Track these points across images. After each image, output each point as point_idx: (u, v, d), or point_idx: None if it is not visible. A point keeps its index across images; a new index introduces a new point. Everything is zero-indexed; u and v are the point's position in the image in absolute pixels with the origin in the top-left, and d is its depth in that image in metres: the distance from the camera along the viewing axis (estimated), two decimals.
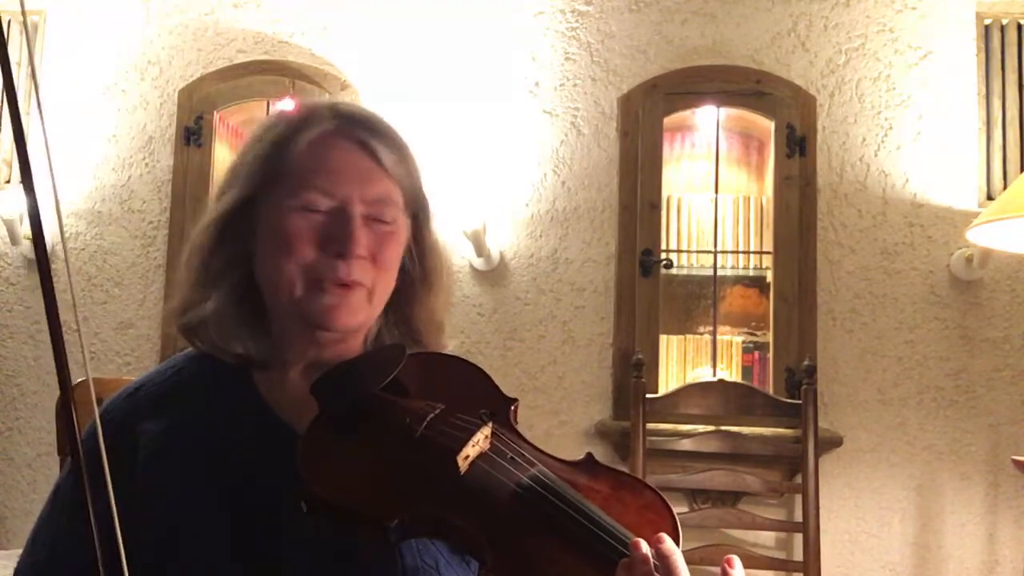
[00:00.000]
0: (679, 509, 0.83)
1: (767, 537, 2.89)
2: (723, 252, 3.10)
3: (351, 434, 0.94)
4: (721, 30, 3.09)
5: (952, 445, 2.89)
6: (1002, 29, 2.99)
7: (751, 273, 3.15)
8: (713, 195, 3.12)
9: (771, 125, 3.02)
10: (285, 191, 1.00)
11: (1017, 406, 2.88)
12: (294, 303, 1.01)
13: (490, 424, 0.93)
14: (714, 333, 3.09)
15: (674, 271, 3.08)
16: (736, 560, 0.82)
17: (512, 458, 0.90)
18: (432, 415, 0.93)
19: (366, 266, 1.01)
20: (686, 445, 2.70)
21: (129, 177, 3.27)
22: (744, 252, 3.11)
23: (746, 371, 3.05)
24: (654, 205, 3.02)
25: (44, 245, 0.73)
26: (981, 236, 2.60)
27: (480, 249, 2.99)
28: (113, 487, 0.74)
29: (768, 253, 3.02)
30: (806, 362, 2.70)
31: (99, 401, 1.09)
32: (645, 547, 0.78)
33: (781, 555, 2.85)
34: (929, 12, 3.01)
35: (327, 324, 1.01)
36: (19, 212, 3.14)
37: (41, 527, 1.03)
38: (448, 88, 3.12)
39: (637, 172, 3.04)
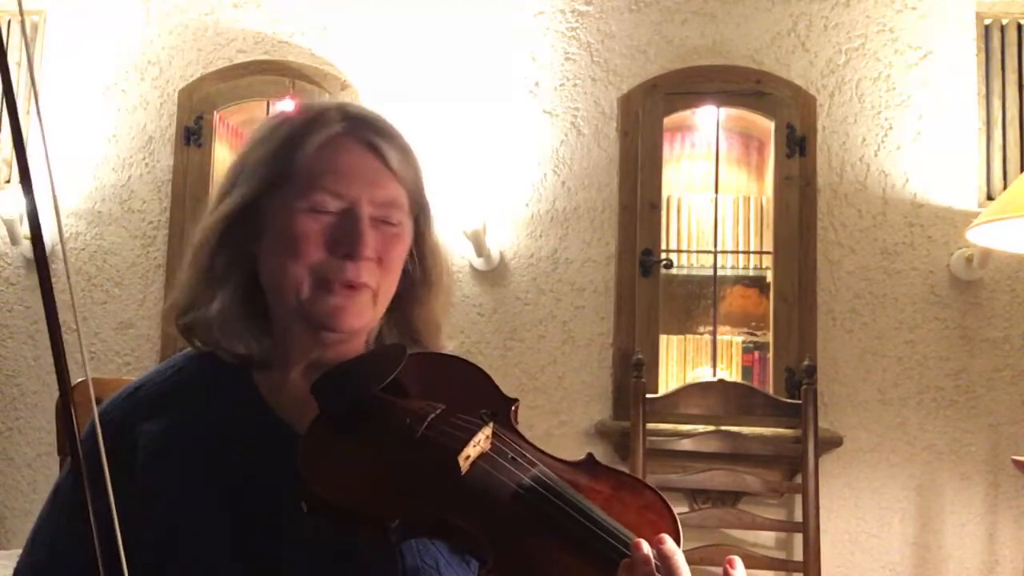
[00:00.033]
0: (679, 509, 0.83)
1: (767, 537, 2.89)
2: (723, 252, 3.10)
3: (351, 434, 0.94)
4: (721, 30, 3.09)
5: (952, 445, 2.89)
6: (1002, 29, 2.99)
7: (751, 273, 3.15)
8: (713, 195, 3.12)
9: (771, 125, 3.02)
10: (293, 192, 1.00)
11: (1017, 406, 2.88)
12: (300, 304, 1.01)
13: (491, 424, 0.93)
14: (714, 333, 3.09)
15: (674, 271, 3.08)
16: (738, 561, 0.82)
17: (513, 458, 0.90)
18: (433, 415, 0.93)
19: (373, 268, 1.02)
20: (686, 445, 2.70)
21: (129, 177, 3.27)
22: (744, 252, 3.11)
23: (746, 371, 3.05)
24: (654, 205, 3.02)
25: (43, 245, 0.72)
26: (981, 236, 2.60)
27: (480, 249, 2.99)
28: (113, 487, 0.74)
29: (768, 253, 3.02)
30: (806, 362, 2.70)
31: (99, 401, 1.09)
32: (646, 547, 0.78)
33: (781, 555, 2.85)
34: (929, 12, 3.01)
35: (333, 325, 1.01)
36: (19, 212, 3.14)
37: (41, 527, 1.02)
38: (448, 88, 3.12)
39: (637, 172, 3.04)
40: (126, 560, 0.73)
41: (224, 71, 3.25)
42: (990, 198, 2.89)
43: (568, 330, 3.05)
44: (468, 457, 0.88)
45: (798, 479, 2.70)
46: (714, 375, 2.99)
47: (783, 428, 2.78)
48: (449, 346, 1.16)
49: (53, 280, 0.74)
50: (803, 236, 2.96)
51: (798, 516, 2.75)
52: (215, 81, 3.23)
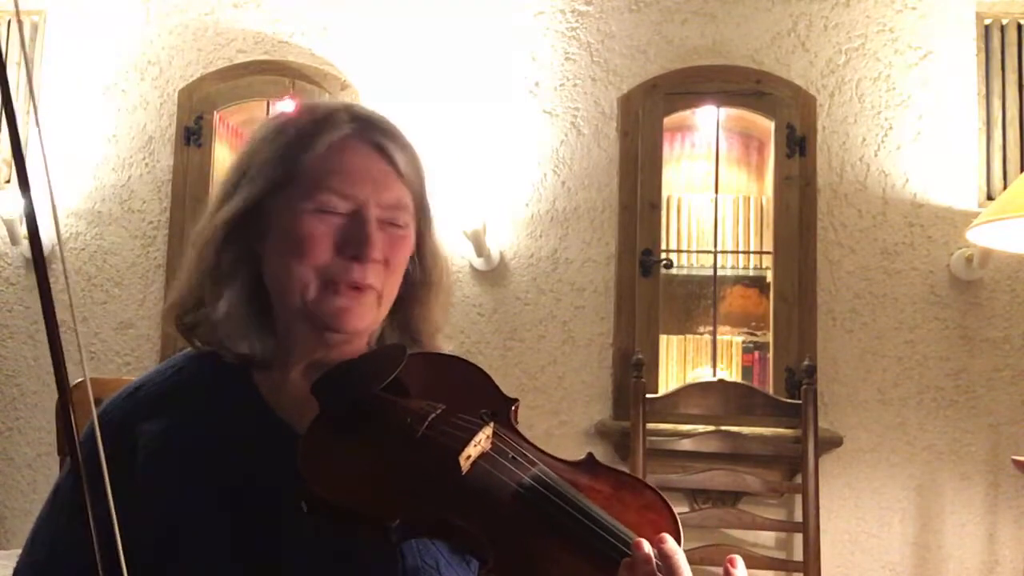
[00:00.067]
0: (679, 509, 0.84)
1: (767, 537, 2.89)
2: (723, 252, 3.10)
3: (352, 434, 0.94)
4: (721, 30, 3.09)
5: (952, 445, 2.89)
6: (1002, 29, 2.99)
7: (751, 273, 3.15)
8: (713, 195, 3.12)
9: (771, 125, 3.02)
10: (300, 192, 1.00)
11: (1017, 406, 2.88)
12: (305, 304, 1.01)
13: (491, 424, 0.93)
14: (714, 333, 3.09)
15: (674, 271, 3.08)
16: (739, 560, 0.82)
17: (514, 458, 0.90)
18: (433, 415, 0.93)
19: (379, 270, 1.02)
20: (686, 445, 2.70)
21: (129, 177, 3.27)
22: (744, 252, 3.11)
23: (746, 371, 3.05)
24: (654, 205, 3.02)
25: (40, 245, 0.72)
26: (981, 236, 2.60)
27: (480, 249, 2.99)
28: (113, 488, 0.74)
29: (768, 253, 3.02)
30: (806, 362, 2.70)
31: (98, 401, 1.09)
32: (647, 547, 0.78)
33: (781, 555, 2.85)
34: (929, 12, 3.01)
35: (338, 326, 1.02)
36: (19, 212, 3.14)
37: (41, 527, 1.02)
38: (448, 88, 3.12)
39: (637, 172, 3.04)
40: (126, 562, 0.73)
41: (224, 71, 3.25)
42: (990, 198, 2.89)
43: (568, 330, 3.05)
44: (469, 457, 0.88)
45: (798, 479, 2.70)
46: (714, 375, 2.99)
47: (783, 428, 2.78)
48: (448, 346, 1.16)
49: (52, 280, 0.74)
50: (803, 236, 2.96)
51: (798, 516, 2.75)
52: (215, 81, 3.23)
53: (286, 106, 3.13)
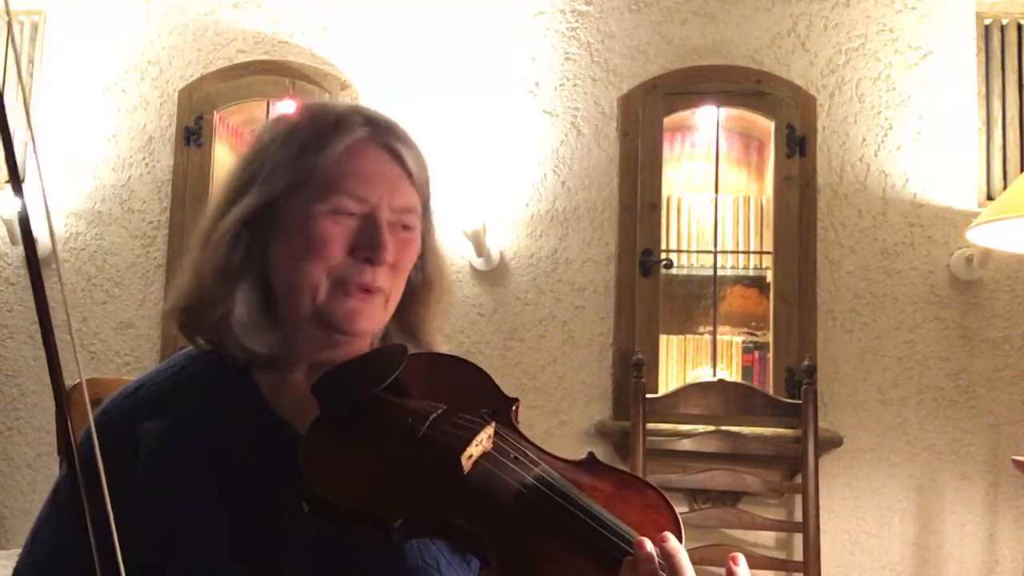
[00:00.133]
0: (679, 509, 0.84)
1: (767, 537, 2.89)
2: (723, 252, 3.10)
3: (353, 434, 0.94)
4: (721, 30, 3.09)
5: (952, 445, 2.89)
6: (1002, 29, 2.99)
7: (751, 273, 3.15)
8: (713, 195, 3.12)
9: (771, 125, 3.02)
10: (314, 194, 1.00)
11: (1017, 406, 2.88)
12: (315, 305, 1.01)
13: (492, 424, 0.93)
14: (714, 333, 3.09)
15: (674, 271, 3.08)
16: (741, 558, 0.83)
17: (515, 457, 0.90)
18: (435, 415, 0.93)
19: (388, 272, 1.03)
20: (686, 445, 2.70)
21: (129, 177, 3.27)
22: (744, 252, 3.11)
23: (746, 371, 3.05)
24: (654, 205, 3.02)
25: (33, 245, 0.72)
26: (981, 236, 2.60)
27: (480, 249, 2.99)
28: (112, 488, 0.74)
29: (768, 253, 3.02)
30: (806, 362, 2.70)
31: (98, 401, 1.09)
32: (649, 545, 0.78)
33: (781, 555, 2.85)
34: (929, 12, 3.01)
35: (349, 328, 1.02)
36: (19, 212, 3.13)
37: (40, 527, 1.02)
38: (448, 88, 3.12)
39: (637, 172, 3.04)
40: (124, 563, 0.73)
41: (224, 71, 3.25)
42: (990, 198, 2.89)
43: (568, 330, 3.05)
44: (471, 457, 0.88)
45: (798, 479, 2.70)
46: (714, 375, 2.99)
47: (783, 428, 2.78)
48: (447, 346, 1.16)
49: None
50: (803, 236, 2.96)
51: (798, 516, 2.75)
52: (215, 81, 3.23)
53: (286, 106, 3.13)
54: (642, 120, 3.05)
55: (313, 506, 0.85)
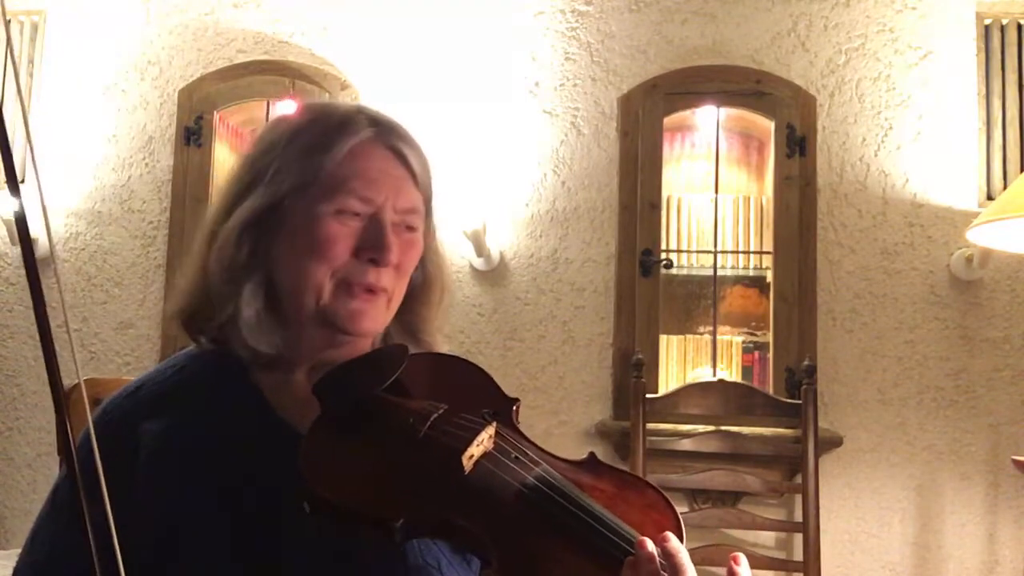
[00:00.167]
0: (679, 509, 0.84)
1: (767, 537, 2.89)
2: (723, 252, 3.10)
3: (354, 434, 0.94)
4: (721, 30, 3.09)
5: (952, 445, 2.89)
6: (1002, 29, 2.99)
7: (751, 273, 3.15)
8: (713, 195, 3.12)
9: (771, 125, 3.02)
10: (320, 194, 1.00)
11: (1017, 406, 2.88)
12: (319, 306, 1.01)
13: (493, 424, 0.93)
14: (714, 333, 3.09)
15: (674, 271, 3.08)
16: (742, 558, 0.83)
17: (516, 457, 0.90)
18: (436, 415, 0.93)
19: (392, 273, 1.03)
20: (686, 445, 2.70)
21: (129, 177, 3.27)
22: (744, 252, 3.11)
23: (746, 371, 3.05)
24: (654, 205, 3.02)
25: (30, 244, 0.72)
26: (981, 236, 2.60)
27: (480, 249, 2.99)
28: (112, 488, 0.74)
29: (768, 253, 3.02)
30: (806, 362, 2.70)
31: (98, 401, 1.09)
32: (651, 545, 0.78)
33: (781, 555, 2.85)
34: (929, 12, 3.01)
35: (353, 328, 1.02)
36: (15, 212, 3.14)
37: (40, 527, 1.02)
38: (448, 88, 3.12)
39: (637, 172, 3.04)
40: (124, 564, 0.73)
41: (224, 71, 3.25)
42: (990, 198, 2.89)
43: (568, 330, 3.05)
44: (472, 457, 0.88)
45: (798, 479, 2.70)
46: (714, 375, 2.99)
47: (783, 428, 2.78)
48: (447, 346, 1.16)
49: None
50: (803, 236, 2.96)
51: (798, 516, 2.75)
52: (215, 81, 3.23)
53: (286, 106, 3.13)
54: (642, 120, 3.05)
55: (314, 506, 0.85)
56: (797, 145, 2.98)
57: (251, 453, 0.98)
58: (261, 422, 1.01)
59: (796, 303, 2.93)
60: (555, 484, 0.86)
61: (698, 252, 3.11)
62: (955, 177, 2.95)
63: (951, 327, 2.91)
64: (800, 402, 2.65)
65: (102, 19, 3.34)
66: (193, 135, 3.20)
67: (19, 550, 1.04)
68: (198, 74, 3.27)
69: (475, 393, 1.00)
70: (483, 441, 0.90)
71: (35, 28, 3.36)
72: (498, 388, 1.03)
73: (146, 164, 3.27)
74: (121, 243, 3.25)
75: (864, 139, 2.99)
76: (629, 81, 3.10)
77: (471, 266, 3.07)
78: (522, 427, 0.98)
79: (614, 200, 3.06)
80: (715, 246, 3.08)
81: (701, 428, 2.75)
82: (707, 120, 3.19)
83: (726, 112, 3.14)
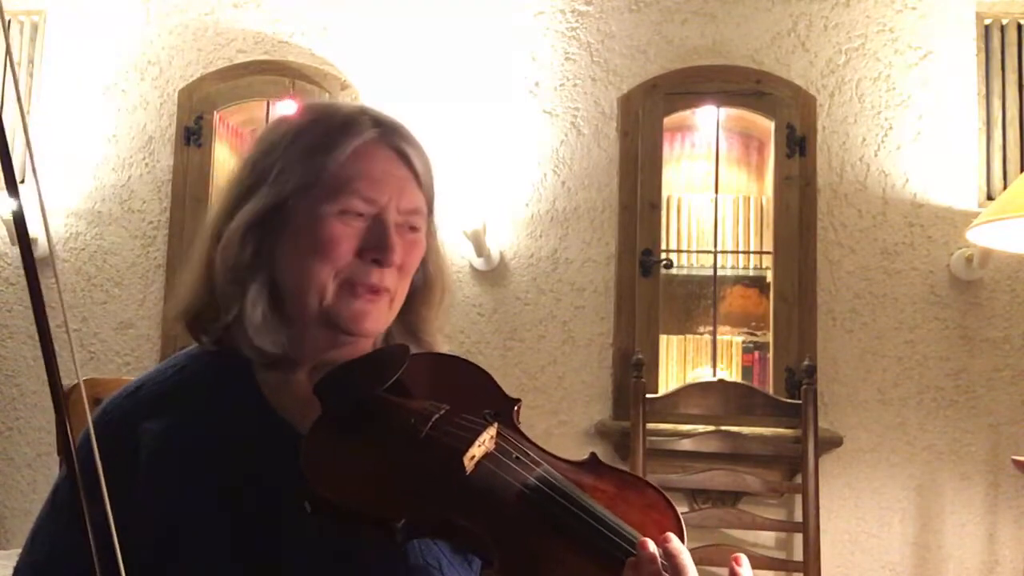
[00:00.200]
0: (679, 509, 0.84)
1: (767, 537, 2.89)
2: (723, 252, 3.10)
3: (355, 434, 0.94)
4: (721, 30, 3.09)
5: (952, 445, 2.89)
6: (1002, 29, 2.99)
7: (751, 273, 3.15)
8: (713, 195, 3.12)
9: (771, 125, 3.02)
10: (324, 195, 1.00)
11: (1017, 406, 2.88)
12: (322, 307, 1.01)
13: (495, 424, 0.93)
14: (714, 333, 3.09)
15: (674, 271, 3.08)
16: (743, 558, 0.83)
17: (517, 458, 0.90)
18: (437, 415, 0.93)
19: (395, 273, 1.03)
20: (686, 445, 2.70)
21: (129, 177, 3.27)
22: (744, 252, 3.11)
23: (746, 371, 3.05)
24: (654, 205, 3.02)
25: (28, 244, 0.72)
26: (981, 236, 2.60)
27: (480, 249, 2.99)
28: (113, 488, 0.74)
29: (768, 253, 3.02)
30: (806, 362, 2.70)
31: (98, 401, 1.09)
32: (652, 546, 0.78)
33: (781, 555, 2.85)
34: (929, 12, 3.01)
35: (354, 329, 1.02)
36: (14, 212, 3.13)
37: (41, 527, 1.02)
38: (448, 88, 3.12)
39: (637, 172, 3.04)
40: (124, 564, 0.73)
41: (224, 71, 3.25)
42: (990, 198, 2.89)
43: (568, 330, 3.05)
44: (473, 457, 0.88)
45: (798, 479, 2.70)
46: (714, 375, 2.99)
47: (783, 428, 2.78)
48: (447, 346, 1.16)
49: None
50: (803, 236, 2.96)
51: (798, 516, 2.75)
52: (215, 81, 3.23)
53: (286, 106, 3.13)
54: (642, 120, 3.05)
55: (315, 506, 0.85)
56: (797, 145, 2.98)
57: (251, 453, 0.98)
58: (262, 422, 1.01)
59: (796, 303, 2.93)
60: (556, 485, 0.86)
61: (698, 252, 3.11)
62: (955, 177, 2.95)
63: (951, 327, 2.92)
64: (800, 402, 2.65)
65: (102, 19, 3.34)
66: (193, 135, 3.20)
67: (19, 550, 1.04)
68: (198, 74, 3.27)
69: (476, 393, 1.01)
70: (484, 442, 0.90)
71: (35, 28, 3.35)
72: (499, 388, 1.03)
73: (146, 164, 3.26)
74: (121, 243, 3.25)
75: (864, 139, 2.99)
76: (629, 81, 3.10)
77: (471, 266, 3.07)
78: (523, 427, 0.98)
79: (614, 200, 3.06)
80: (715, 246, 3.08)
81: (701, 428, 2.75)
82: (707, 120, 3.19)
83: (726, 112, 3.14)
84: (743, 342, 3.08)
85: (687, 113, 3.16)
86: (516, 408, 1.00)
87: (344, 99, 3.11)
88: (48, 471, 3.18)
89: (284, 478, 0.92)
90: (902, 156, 2.97)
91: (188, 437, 0.99)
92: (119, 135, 3.29)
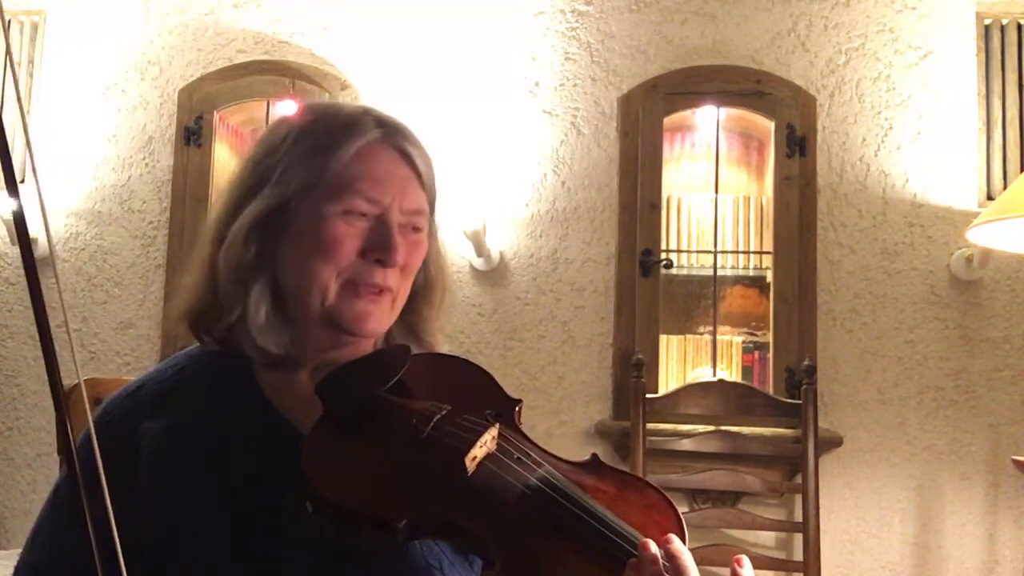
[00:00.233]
0: (679, 509, 0.83)
1: (767, 537, 2.89)
2: (723, 252, 3.10)
3: (357, 435, 0.94)
4: (721, 30, 3.09)
5: (952, 445, 2.89)
6: (1002, 29, 2.99)
7: (751, 273, 3.15)
8: (713, 195, 3.12)
9: (771, 125, 3.02)
10: (326, 196, 1.00)
11: (1017, 406, 2.88)
12: (325, 307, 1.01)
13: (496, 425, 0.93)
14: (714, 333, 3.09)
15: (674, 271, 3.08)
16: (745, 560, 0.83)
17: (519, 459, 0.90)
18: (439, 416, 0.93)
19: (397, 274, 1.03)
20: (686, 445, 2.70)
21: (129, 177, 3.27)
22: (744, 252, 3.11)
23: (746, 371, 3.05)
24: (654, 205, 3.02)
25: (28, 244, 0.72)
26: (981, 236, 2.60)
27: (480, 249, 2.99)
28: (113, 488, 0.74)
29: (768, 253, 3.02)
30: (806, 362, 2.70)
31: (98, 401, 1.09)
32: (654, 547, 0.78)
33: (781, 555, 2.85)
34: (929, 12, 3.01)
35: (357, 329, 1.02)
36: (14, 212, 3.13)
37: (41, 526, 1.02)
38: (448, 88, 3.12)
39: (637, 172, 3.04)
40: (125, 563, 0.73)
41: (224, 71, 3.25)
42: (990, 198, 2.89)
43: (568, 330, 3.05)
44: (475, 458, 0.88)
45: (798, 479, 2.70)
46: (714, 375, 2.99)
47: (783, 428, 2.78)
48: (447, 347, 1.16)
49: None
50: (803, 236, 2.96)
51: (798, 516, 2.75)
52: (215, 81, 3.23)
53: (286, 106, 3.13)
54: (642, 120, 3.05)
55: (316, 507, 0.85)
56: (797, 145, 2.98)
57: (252, 453, 0.98)
58: (263, 422, 1.01)
59: (796, 303, 2.93)
60: (558, 485, 0.86)
61: (698, 252, 3.11)
62: (955, 177, 2.95)
63: (951, 327, 2.92)
64: (800, 402, 2.65)
65: (102, 19, 3.34)
66: (193, 135, 3.20)
67: (19, 550, 1.04)
68: (198, 74, 3.27)
69: (478, 394, 1.01)
70: (486, 442, 0.90)
71: (35, 28, 3.35)
72: (501, 389, 1.03)
73: (146, 164, 3.26)
74: (121, 243, 3.25)
75: (864, 139, 2.99)
76: (629, 81, 3.10)
77: (471, 266, 3.07)
78: (523, 428, 0.98)
79: (614, 200, 3.06)
80: (715, 246, 3.08)
81: (701, 428, 2.75)
82: (707, 120, 3.19)
83: (726, 112, 3.14)
84: (743, 342, 3.08)
85: (687, 113, 3.16)
86: (517, 409, 1.00)
87: (344, 99, 3.11)
88: (48, 471, 3.18)
89: (285, 478, 0.92)
90: (902, 156, 2.97)
91: (189, 437, 0.99)
92: (119, 135, 3.29)
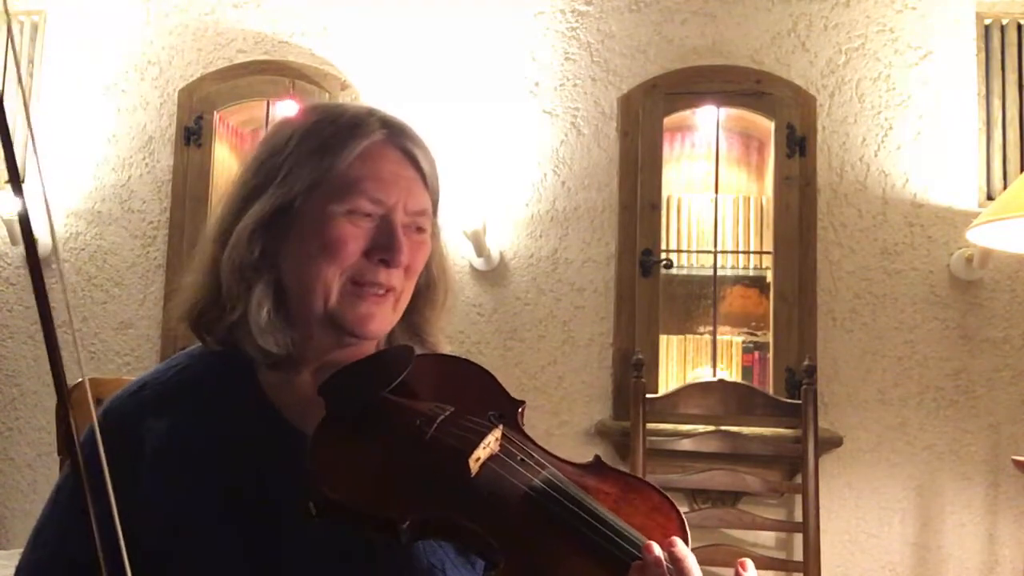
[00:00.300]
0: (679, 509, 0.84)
1: (767, 537, 2.89)
2: (723, 252, 3.10)
3: (360, 436, 0.94)
4: (721, 30, 3.09)
5: (952, 445, 2.89)
6: (1002, 29, 3.00)
7: (751, 273, 3.15)
8: (713, 195, 3.12)
9: (771, 125, 3.02)
10: (332, 196, 1.00)
11: (1017, 406, 2.88)
12: (327, 308, 1.01)
13: (500, 426, 0.93)
14: (714, 333, 3.09)
15: (674, 271, 3.08)
16: (749, 564, 0.82)
17: (522, 460, 0.90)
18: (442, 417, 0.93)
19: (401, 274, 1.03)
20: (686, 445, 2.70)
21: (129, 177, 3.27)
22: (744, 252, 3.11)
23: (746, 371, 3.05)
24: (654, 205, 3.02)
25: (33, 244, 0.72)
26: (981, 236, 2.60)
27: (480, 249, 2.99)
28: (115, 488, 0.74)
29: (768, 253, 3.02)
30: (806, 362, 2.70)
31: (99, 401, 1.09)
32: (658, 550, 0.78)
33: (781, 555, 2.85)
34: (929, 12, 3.02)
35: (360, 331, 1.02)
36: (19, 212, 3.13)
37: (44, 525, 1.02)
38: (448, 88, 3.12)
39: (637, 172, 3.04)
40: (128, 564, 0.73)
41: (224, 71, 3.25)
42: (990, 198, 2.89)
43: (568, 330, 3.05)
44: (478, 459, 0.88)
45: (798, 479, 2.70)
46: (714, 375, 2.99)
47: (783, 428, 2.78)
48: (448, 347, 1.16)
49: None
50: (803, 236, 2.96)
51: (798, 516, 2.75)
52: (215, 81, 3.23)
53: (286, 106, 3.13)
54: (642, 120, 3.05)
55: (319, 507, 0.85)
56: (797, 145, 2.98)
57: (254, 453, 0.98)
58: (264, 422, 1.01)
59: (796, 303, 2.93)
60: (561, 487, 0.86)
61: (698, 252, 3.11)
62: (955, 177, 2.95)
63: (951, 327, 2.92)
64: (800, 402, 2.65)
65: (102, 19, 3.34)
66: (193, 135, 3.20)
67: (20, 550, 1.04)
68: (198, 74, 3.27)
69: (481, 395, 1.01)
70: (489, 444, 0.90)
71: (35, 28, 3.35)
72: (504, 390, 1.03)
73: (146, 164, 3.26)
74: (121, 243, 3.25)
75: (864, 139, 3.00)
76: (629, 81, 3.10)
77: (471, 266, 3.07)
78: (526, 429, 0.98)
79: (614, 200, 3.06)
80: (715, 246, 3.08)
81: (701, 428, 2.76)
82: (707, 120, 3.19)
83: (726, 112, 3.14)
84: (743, 342, 3.08)
85: (687, 113, 3.16)
86: (520, 410, 1.00)
87: (344, 99, 3.11)
88: (48, 471, 3.18)
89: (287, 478, 0.92)
90: (902, 156, 2.97)
91: (191, 437, 0.99)
92: (119, 135, 3.29)
